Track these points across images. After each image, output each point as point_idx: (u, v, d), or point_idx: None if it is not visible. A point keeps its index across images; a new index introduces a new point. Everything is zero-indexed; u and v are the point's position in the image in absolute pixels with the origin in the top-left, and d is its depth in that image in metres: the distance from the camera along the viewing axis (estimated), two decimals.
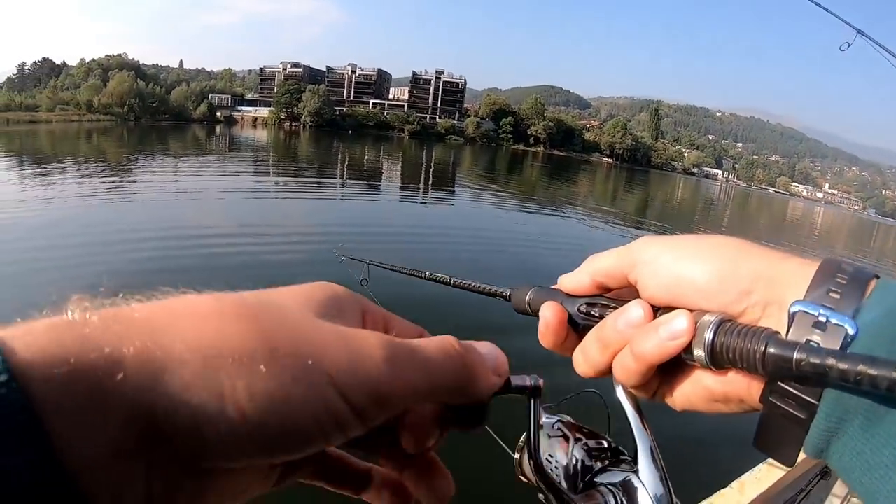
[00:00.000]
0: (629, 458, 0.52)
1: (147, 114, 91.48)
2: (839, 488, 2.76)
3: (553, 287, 0.56)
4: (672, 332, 0.41)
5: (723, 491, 2.08)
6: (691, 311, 0.42)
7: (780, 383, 0.37)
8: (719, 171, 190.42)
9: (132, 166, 24.38)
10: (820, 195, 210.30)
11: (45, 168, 22.45)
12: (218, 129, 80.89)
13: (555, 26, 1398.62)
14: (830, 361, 0.32)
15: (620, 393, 0.49)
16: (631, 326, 0.45)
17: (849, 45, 4.91)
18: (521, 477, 0.55)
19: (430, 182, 28.55)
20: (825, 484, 2.49)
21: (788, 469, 2.12)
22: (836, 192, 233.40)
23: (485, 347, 0.36)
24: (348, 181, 24.90)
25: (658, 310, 0.45)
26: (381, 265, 1.73)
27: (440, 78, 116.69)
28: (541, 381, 0.38)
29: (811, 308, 0.37)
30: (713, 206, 45.34)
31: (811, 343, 0.36)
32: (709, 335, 0.39)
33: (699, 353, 0.40)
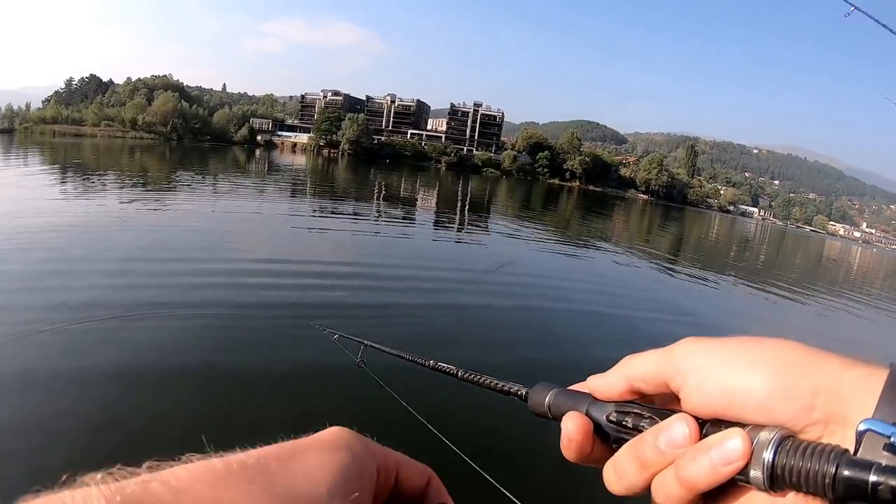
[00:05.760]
0: None
1: (189, 134, 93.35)
2: None
3: (577, 388, 0.50)
4: (726, 457, 0.36)
5: None
6: (744, 425, 0.38)
7: None
8: (755, 209, 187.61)
9: (171, 183, 24.37)
10: (857, 234, 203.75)
11: (86, 178, 22.74)
12: (258, 152, 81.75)
13: (592, 62, 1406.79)
14: None
15: None
16: (675, 446, 0.39)
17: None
18: None
19: (465, 220, 26.09)
20: None
21: None
22: (873, 230, 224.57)
23: None
24: (384, 214, 23.11)
25: (704, 423, 0.40)
26: (380, 348, 1.64)
27: (478, 110, 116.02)
28: None
29: (883, 428, 0.33)
30: (749, 245, 43.95)
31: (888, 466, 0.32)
32: (768, 455, 0.35)
33: (756, 474, 0.35)
